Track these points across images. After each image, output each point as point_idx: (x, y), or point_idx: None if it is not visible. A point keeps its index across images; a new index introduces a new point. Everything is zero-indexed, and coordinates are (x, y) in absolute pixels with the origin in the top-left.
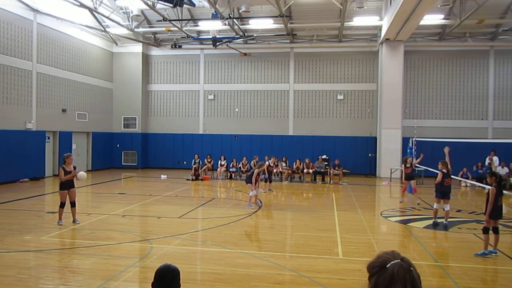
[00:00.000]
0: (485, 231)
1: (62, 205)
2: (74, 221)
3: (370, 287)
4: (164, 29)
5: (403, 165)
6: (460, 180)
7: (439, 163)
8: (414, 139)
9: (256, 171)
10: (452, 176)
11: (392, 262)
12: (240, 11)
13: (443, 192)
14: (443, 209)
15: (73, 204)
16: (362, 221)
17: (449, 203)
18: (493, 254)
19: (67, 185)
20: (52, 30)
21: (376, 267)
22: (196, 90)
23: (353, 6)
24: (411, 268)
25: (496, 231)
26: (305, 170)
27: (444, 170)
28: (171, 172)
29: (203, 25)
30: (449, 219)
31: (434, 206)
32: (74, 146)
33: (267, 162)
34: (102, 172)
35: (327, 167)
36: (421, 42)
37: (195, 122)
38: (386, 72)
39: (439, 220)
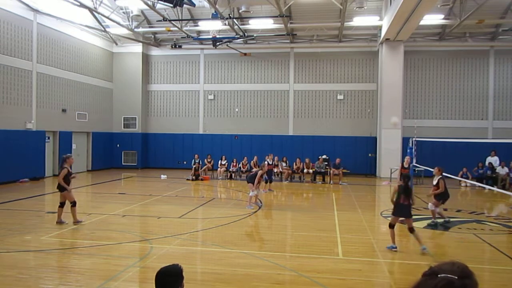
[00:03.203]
0: (389, 226)
1: (74, 204)
2: (60, 222)
3: (414, 285)
4: (164, 29)
5: (400, 165)
6: (460, 180)
7: (436, 169)
8: (414, 139)
9: (260, 172)
10: (452, 176)
11: (445, 275)
12: (240, 11)
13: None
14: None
15: (62, 205)
16: (362, 221)
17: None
18: (424, 250)
19: (69, 184)
20: (52, 30)
21: (431, 269)
22: (196, 90)
23: (353, 6)
24: None
25: (392, 226)
26: (305, 170)
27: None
28: (171, 172)
29: (203, 25)
30: (450, 220)
31: (434, 208)
32: (74, 146)
33: (265, 162)
34: (102, 172)
35: (327, 167)
36: (421, 42)
37: (195, 122)
38: (386, 72)
39: (438, 221)
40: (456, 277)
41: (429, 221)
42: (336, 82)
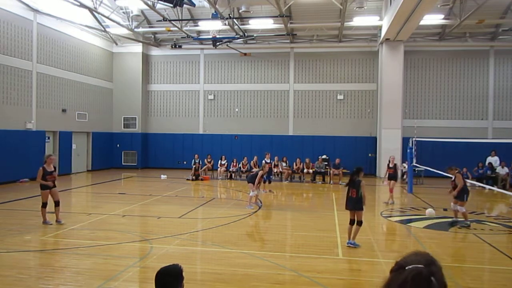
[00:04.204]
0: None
1: (44, 205)
2: (57, 221)
3: (384, 283)
4: (164, 29)
5: (387, 165)
6: None
7: (448, 170)
8: (414, 139)
9: (260, 173)
10: (453, 176)
11: (413, 266)
12: (240, 11)
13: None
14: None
15: (57, 204)
16: None
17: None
18: (349, 244)
19: (48, 185)
20: (52, 30)
21: (397, 264)
22: (196, 90)
23: (353, 6)
24: (432, 278)
25: (351, 222)
26: (305, 170)
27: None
28: (171, 172)
29: (203, 25)
30: (447, 220)
31: (464, 210)
32: (74, 146)
33: (264, 161)
34: (102, 172)
35: (327, 167)
36: (421, 42)
37: (195, 122)
38: (386, 72)
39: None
40: (423, 266)
41: (429, 221)
42: (336, 82)
